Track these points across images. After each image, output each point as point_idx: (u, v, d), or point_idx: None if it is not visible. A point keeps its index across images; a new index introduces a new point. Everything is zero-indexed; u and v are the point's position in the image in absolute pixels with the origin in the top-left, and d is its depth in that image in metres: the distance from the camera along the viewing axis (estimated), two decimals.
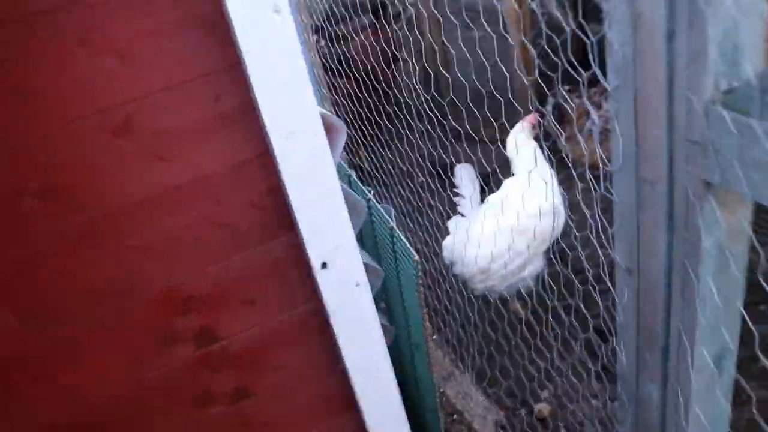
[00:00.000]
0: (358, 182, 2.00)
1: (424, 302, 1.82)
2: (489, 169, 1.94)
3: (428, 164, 3.16)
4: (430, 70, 4.10)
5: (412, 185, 3.04)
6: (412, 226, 3.15)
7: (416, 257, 1.67)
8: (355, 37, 3.81)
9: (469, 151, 2.27)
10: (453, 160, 2.61)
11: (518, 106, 1.65)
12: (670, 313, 1.10)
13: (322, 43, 3.83)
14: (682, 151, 0.91)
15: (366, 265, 1.83)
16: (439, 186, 2.96)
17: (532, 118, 2.82)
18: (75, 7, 1.15)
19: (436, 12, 4.14)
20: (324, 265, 1.45)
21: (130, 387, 1.48)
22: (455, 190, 2.98)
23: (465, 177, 2.85)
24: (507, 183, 2.71)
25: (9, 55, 1.13)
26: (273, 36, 1.23)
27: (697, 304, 1.02)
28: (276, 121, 1.29)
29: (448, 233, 2.90)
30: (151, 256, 1.36)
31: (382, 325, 2.03)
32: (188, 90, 1.27)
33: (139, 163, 1.28)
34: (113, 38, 1.18)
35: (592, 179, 1.12)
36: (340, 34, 3.76)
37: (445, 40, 4.11)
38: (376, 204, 1.89)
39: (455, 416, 2.43)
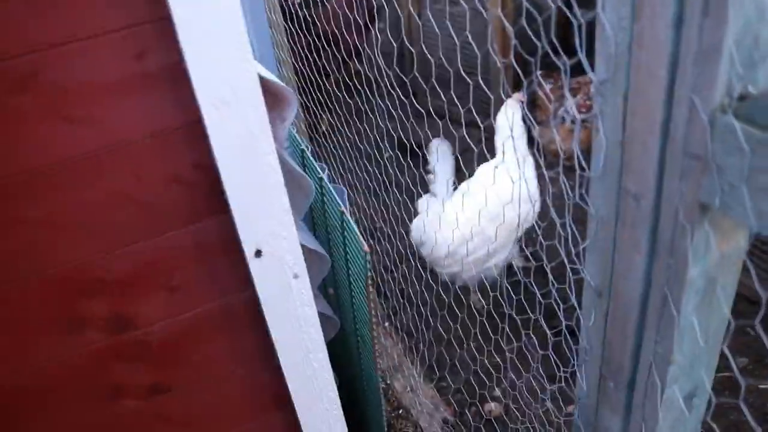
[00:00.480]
0: (312, 159, 1.83)
1: (376, 290, 1.67)
2: (457, 150, 1.79)
3: (395, 141, 2.99)
4: (410, 46, 3.90)
5: (375, 161, 2.87)
6: (375, 204, 2.98)
7: (366, 248, 1.51)
8: (327, 3, 3.60)
9: (434, 127, 2.09)
10: (415, 138, 2.44)
11: (488, 89, 1.48)
12: (642, 343, 0.96)
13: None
14: (677, 165, 0.76)
15: (312, 251, 1.67)
16: (403, 163, 2.80)
17: (520, 95, 2.69)
18: None
19: None
20: (258, 253, 1.28)
21: (28, 375, 1.30)
22: (428, 167, 2.82)
23: (440, 153, 2.68)
24: (482, 169, 2.57)
25: None
26: None
27: (675, 339, 0.88)
28: (207, 86, 1.10)
29: (416, 213, 2.75)
30: (53, 231, 1.17)
31: (327, 317, 1.87)
32: (105, 43, 1.07)
33: (41, 124, 1.08)
34: None
35: (566, 183, 0.96)
36: None
37: (422, 14, 3.92)
38: (328, 184, 1.72)
39: (401, 411, 2.30)
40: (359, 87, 2.42)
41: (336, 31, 2.97)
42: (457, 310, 2.16)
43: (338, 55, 2.82)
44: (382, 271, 2.98)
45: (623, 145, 0.83)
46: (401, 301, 2.76)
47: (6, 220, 1.13)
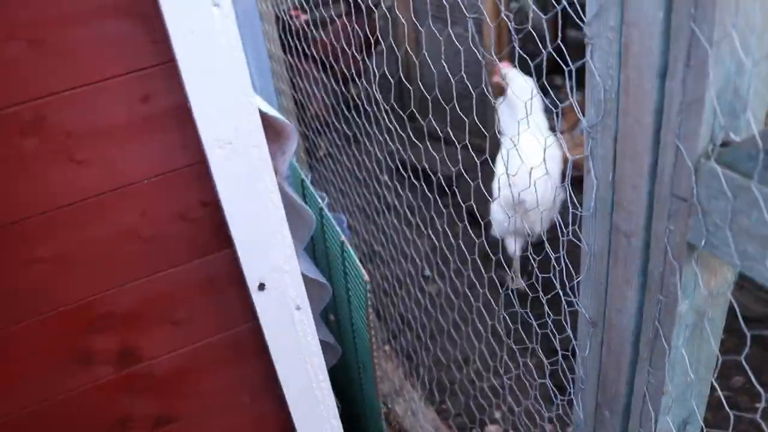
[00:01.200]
0: (311, 188, 1.86)
1: (376, 314, 1.70)
2: (453, 171, 1.81)
3: (391, 162, 3.02)
4: (414, 60, 3.96)
5: (373, 184, 2.91)
6: (374, 228, 3.01)
7: (366, 278, 1.54)
8: (330, 24, 3.65)
9: (432, 150, 2.13)
10: (414, 158, 2.47)
11: (490, 108, 1.51)
12: (635, 373, 0.99)
13: (303, 18, 3.62)
14: (665, 206, 0.79)
15: (313, 280, 1.70)
16: (398, 185, 2.83)
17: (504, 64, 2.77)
18: None
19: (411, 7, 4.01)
20: (261, 287, 1.31)
21: (39, 407, 1.32)
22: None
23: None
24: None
25: None
26: (211, 32, 1.08)
27: (666, 371, 0.91)
28: (211, 128, 1.14)
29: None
30: (63, 269, 1.20)
31: (329, 345, 1.90)
32: (112, 87, 1.11)
33: (50, 167, 1.12)
34: (21, 22, 1.02)
35: (560, 222, 0.99)
36: (315, 18, 3.59)
37: (419, 36, 3.98)
38: (329, 214, 1.75)
39: None
40: (359, 109, 2.46)
41: (338, 51, 3.02)
42: (455, 335, 2.19)
43: (341, 76, 2.85)
44: (381, 295, 3.01)
45: (614, 185, 0.86)
46: (401, 325, 2.79)
47: (18, 261, 1.16)
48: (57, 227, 1.17)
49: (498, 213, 2.72)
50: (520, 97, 2.44)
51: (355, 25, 3.73)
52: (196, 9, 1.05)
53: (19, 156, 1.09)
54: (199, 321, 1.37)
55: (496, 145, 3.24)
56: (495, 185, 2.67)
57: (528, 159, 1.46)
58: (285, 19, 2.65)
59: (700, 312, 0.86)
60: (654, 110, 0.75)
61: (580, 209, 0.93)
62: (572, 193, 0.92)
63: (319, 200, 1.80)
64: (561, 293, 1.04)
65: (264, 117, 1.24)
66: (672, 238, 0.80)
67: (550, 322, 1.10)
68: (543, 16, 0.98)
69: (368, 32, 3.89)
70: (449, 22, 3.76)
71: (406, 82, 3.73)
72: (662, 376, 0.91)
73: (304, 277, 1.38)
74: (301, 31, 2.76)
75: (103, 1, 1.05)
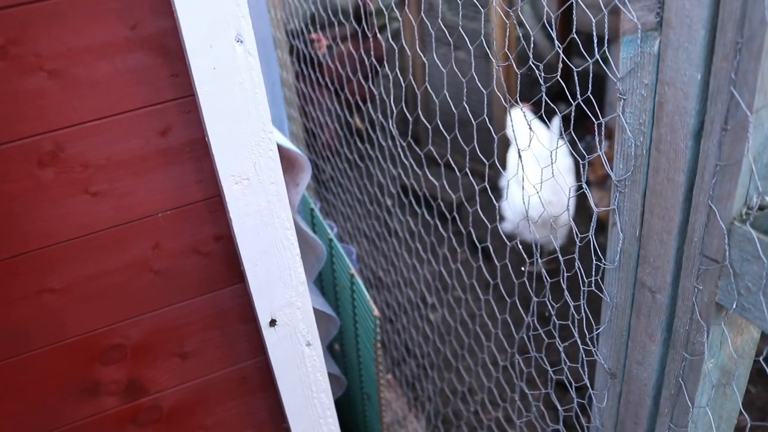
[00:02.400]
0: (320, 216, 1.85)
1: (382, 347, 1.68)
2: (453, 198, 1.80)
3: (393, 187, 3.02)
4: (418, 86, 3.96)
5: (376, 210, 2.90)
6: (375, 253, 3.00)
7: (377, 313, 1.53)
8: (336, 46, 3.65)
9: (434, 176, 2.13)
10: (415, 184, 2.47)
11: (494, 134, 1.50)
12: (655, 428, 0.98)
13: (325, 44, 3.61)
14: (694, 265, 0.78)
15: (322, 313, 1.68)
16: (399, 210, 2.82)
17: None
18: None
19: (418, 31, 4.02)
20: (272, 323, 1.30)
21: None
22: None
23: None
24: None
25: None
26: (233, 69, 1.07)
27: (689, 428, 0.89)
28: (229, 163, 1.13)
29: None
30: (74, 301, 1.18)
31: (335, 376, 1.88)
32: (131, 120, 1.10)
33: (66, 198, 1.10)
34: (43, 54, 1.01)
35: (581, 269, 0.98)
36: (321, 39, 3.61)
37: (425, 61, 3.99)
38: (338, 244, 1.74)
39: None
40: (363, 135, 2.45)
41: (343, 72, 3.03)
42: (459, 366, 2.16)
43: (345, 103, 2.87)
44: (386, 323, 2.99)
45: (640, 240, 0.85)
46: (404, 353, 2.76)
47: (30, 292, 1.14)
48: (69, 258, 1.16)
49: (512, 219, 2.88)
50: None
51: (361, 50, 3.75)
52: (219, 45, 1.05)
53: (36, 186, 1.08)
54: (207, 354, 1.35)
55: (497, 174, 3.24)
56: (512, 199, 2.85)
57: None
58: (300, 47, 2.65)
59: (725, 370, 0.85)
60: (687, 169, 0.74)
61: (603, 262, 0.92)
62: (596, 246, 0.91)
63: (329, 230, 1.79)
64: (579, 342, 1.02)
65: (279, 149, 1.24)
66: (700, 297, 0.79)
67: (566, 370, 1.08)
68: (556, 45, 0.97)
69: (374, 57, 3.90)
70: (452, 46, 3.78)
71: (409, 107, 3.73)
72: (683, 430, 0.90)
73: (314, 310, 1.37)
74: (316, 60, 2.76)
75: (125, 35, 1.04)
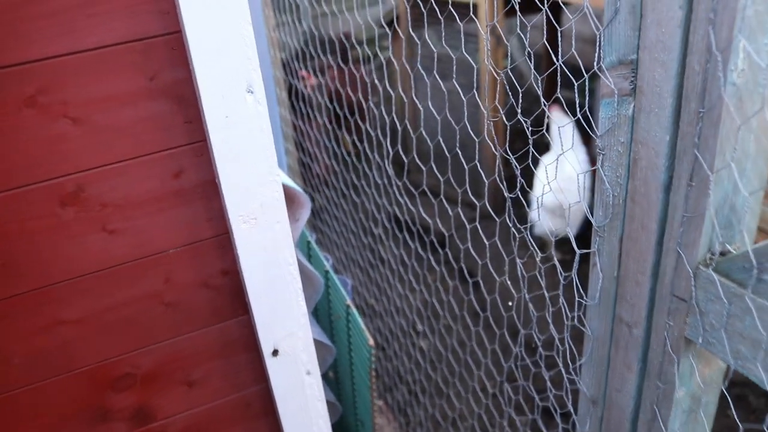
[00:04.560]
0: (317, 248, 1.93)
1: (375, 377, 1.75)
2: (444, 230, 1.89)
3: (389, 218, 3.10)
4: (397, 123, 4.07)
5: (369, 241, 2.98)
6: (367, 281, 3.07)
7: (372, 343, 1.60)
8: (319, 78, 3.77)
9: (423, 211, 2.21)
10: (407, 217, 2.55)
11: (482, 170, 1.59)
12: None
13: (312, 81, 3.74)
14: (665, 303, 0.87)
15: (319, 342, 1.75)
16: (392, 242, 2.90)
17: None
18: (26, 66, 1.06)
19: (406, 64, 4.13)
20: (275, 353, 1.37)
21: None
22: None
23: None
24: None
25: None
26: (244, 117, 1.16)
27: None
28: (238, 204, 1.21)
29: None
30: (87, 331, 1.25)
31: (330, 403, 1.94)
32: (147, 163, 1.18)
33: (85, 235, 1.18)
34: (68, 102, 1.09)
35: (565, 304, 1.07)
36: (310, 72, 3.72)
37: (414, 96, 4.11)
38: (334, 276, 1.82)
39: None
40: (357, 156, 2.54)
41: (330, 104, 3.15)
42: (443, 387, 2.23)
43: (350, 119, 2.98)
44: (376, 352, 3.06)
45: (618, 280, 0.94)
46: (395, 379, 2.83)
47: (48, 323, 1.21)
48: (85, 292, 1.23)
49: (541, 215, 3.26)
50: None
51: (347, 79, 3.87)
52: (231, 95, 1.14)
53: (58, 224, 1.15)
54: (212, 382, 1.42)
55: (484, 206, 3.34)
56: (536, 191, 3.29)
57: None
58: (294, 83, 2.75)
59: (695, 398, 0.94)
60: (658, 219, 0.83)
61: (585, 299, 1.00)
62: (578, 284, 1.00)
63: (325, 262, 1.87)
64: (563, 371, 1.11)
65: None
66: (671, 332, 0.88)
67: (551, 397, 1.17)
68: (537, 75, 1.07)
69: (357, 88, 4.03)
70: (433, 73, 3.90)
71: (400, 147, 3.83)
72: None
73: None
74: (307, 96, 2.87)
75: (144, 85, 1.13)
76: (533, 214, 3.14)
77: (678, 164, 0.79)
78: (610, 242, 0.93)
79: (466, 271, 1.81)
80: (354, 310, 1.71)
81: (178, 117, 1.17)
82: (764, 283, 0.73)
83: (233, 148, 1.17)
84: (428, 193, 1.79)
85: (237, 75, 1.13)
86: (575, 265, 0.98)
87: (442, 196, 1.85)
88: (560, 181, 2.98)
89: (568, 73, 1.05)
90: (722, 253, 0.80)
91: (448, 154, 1.44)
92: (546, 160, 3.29)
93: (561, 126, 3.03)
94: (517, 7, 1.00)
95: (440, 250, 2.02)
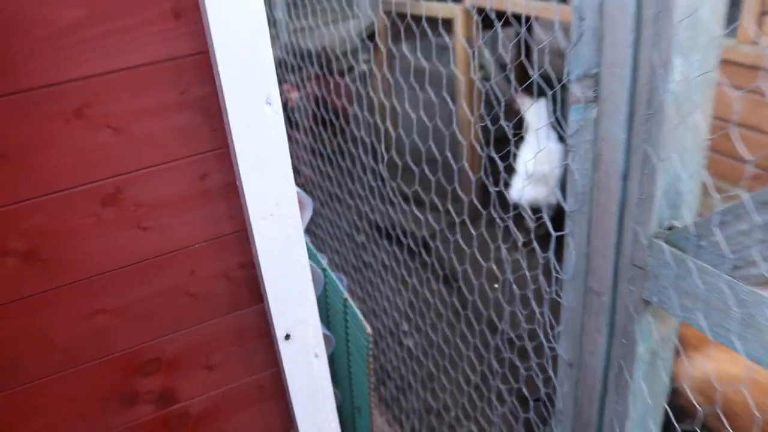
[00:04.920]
0: (313, 249, 2.10)
1: (372, 362, 1.91)
2: (420, 233, 2.06)
3: (370, 224, 3.27)
4: (382, 127, 4.26)
5: (349, 243, 3.15)
6: (351, 284, 3.24)
7: (369, 330, 1.77)
8: (301, 88, 3.96)
9: (404, 212, 2.39)
10: (387, 223, 2.74)
11: (462, 174, 1.77)
12: (605, 404, 1.24)
13: (294, 95, 3.94)
14: (627, 272, 1.06)
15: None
16: (373, 246, 3.07)
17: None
18: (77, 83, 1.22)
19: (387, 73, 4.33)
20: (287, 337, 1.53)
21: None
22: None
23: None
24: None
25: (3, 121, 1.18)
26: (263, 125, 1.33)
27: (629, 401, 1.16)
28: (257, 203, 1.38)
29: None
30: (119, 319, 1.40)
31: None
32: (177, 167, 1.35)
33: (121, 232, 1.34)
34: (109, 114, 1.26)
35: (544, 281, 1.25)
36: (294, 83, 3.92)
37: (395, 102, 4.30)
38: (331, 273, 1.99)
39: None
40: (341, 169, 2.71)
41: (317, 111, 3.33)
42: (434, 386, 2.40)
43: (335, 123, 3.18)
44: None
45: (588, 256, 1.13)
46: (383, 376, 3.00)
47: (86, 313, 1.36)
48: (120, 283, 1.38)
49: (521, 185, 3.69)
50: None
51: (324, 91, 4.07)
52: (253, 107, 1.31)
53: (99, 222, 1.31)
54: (230, 366, 1.57)
55: (462, 210, 3.54)
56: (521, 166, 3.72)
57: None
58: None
59: (654, 353, 1.13)
60: (618, 202, 1.02)
61: (561, 274, 1.19)
62: (556, 263, 1.18)
63: (321, 260, 2.04)
64: (544, 341, 1.29)
65: None
66: (632, 296, 1.07)
67: (534, 365, 1.35)
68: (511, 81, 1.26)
69: (336, 98, 4.24)
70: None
71: (384, 153, 4.02)
72: (626, 404, 1.17)
73: None
74: (295, 106, 3.07)
75: (176, 99, 1.30)
76: (519, 186, 3.50)
77: (632, 157, 0.98)
78: (581, 225, 1.12)
79: (448, 270, 1.98)
80: (351, 302, 1.88)
81: (205, 127, 1.33)
82: (702, 248, 0.92)
83: (253, 153, 1.34)
84: (411, 200, 1.97)
85: (258, 89, 1.30)
86: (552, 246, 1.17)
87: (427, 202, 2.03)
88: (542, 153, 3.35)
89: (541, 83, 1.24)
90: (670, 228, 0.99)
91: (438, 156, 1.63)
92: (525, 146, 3.70)
93: (528, 107, 3.51)
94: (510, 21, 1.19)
95: (424, 253, 2.20)
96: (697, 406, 1.14)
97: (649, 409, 1.18)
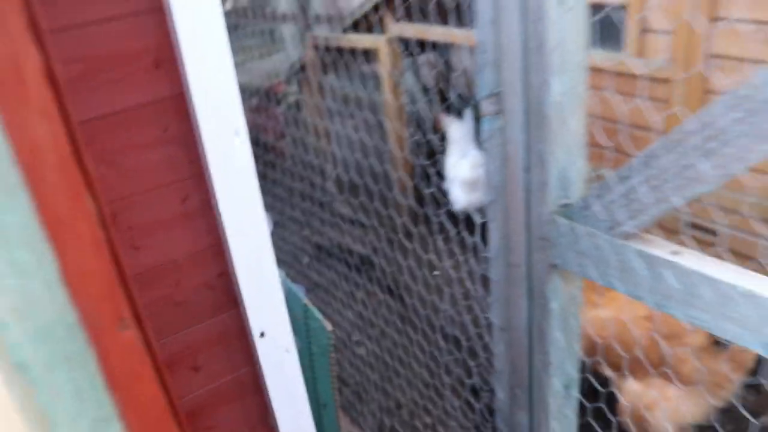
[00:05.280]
0: None
1: (335, 359, 2.16)
2: (358, 252, 2.34)
3: (310, 246, 3.53)
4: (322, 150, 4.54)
5: (295, 265, 3.39)
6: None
7: (330, 327, 2.03)
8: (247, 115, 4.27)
9: (345, 232, 2.67)
10: (330, 240, 3.00)
11: (394, 194, 2.07)
12: (533, 357, 1.54)
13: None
14: (537, 244, 1.37)
15: None
16: (316, 266, 3.32)
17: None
18: (80, 126, 1.45)
19: (319, 99, 4.63)
20: (262, 335, 1.77)
21: None
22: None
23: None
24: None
25: None
26: (232, 153, 1.59)
27: (549, 349, 1.46)
28: (231, 220, 1.63)
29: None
30: None
31: None
32: (162, 193, 1.58)
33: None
34: (105, 150, 1.49)
35: (475, 262, 1.55)
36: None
37: (327, 127, 4.60)
38: (290, 283, 2.24)
39: None
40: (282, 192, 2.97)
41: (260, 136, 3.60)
42: (387, 386, 2.66)
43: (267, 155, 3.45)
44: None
45: (506, 237, 1.43)
46: (340, 383, 3.23)
47: None
48: None
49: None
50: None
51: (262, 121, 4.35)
52: (224, 138, 1.56)
53: (96, 242, 1.53)
54: (213, 366, 1.80)
55: (395, 228, 3.85)
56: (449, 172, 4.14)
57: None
58: None
59: (564, 308, 1.43)
60: (524, 190, 1.33)
61: (488, 253, 1.49)
62: (483, 245, 1.48)
63: (279, 274, 2.28)
64: (480, 312, 1.58)
65: None
66: (542, 263, 1.37)
67: (474, 335, 1.64)
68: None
69: (278, 122, 4.55)
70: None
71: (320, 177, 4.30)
72: (547, 353, 1.46)
73: None
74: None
75: (160, 135, 1.54)
76: (457, 193, 3.93)
77: (531, 154, 1.29)
78: (497, 212, 1.42)
79: (391, 282, 2.26)
80: (312, 307, 2.14)
81: (185, 157, 1.58)
82: (587, 217, 1.24)
83: (227, 177, 1.59)
84: (350, 220, 2.25)
85: (227, 123, 1.56)
86: (478, 231, 1.46)
87: (364, 219, 2.30)
88: (471, 160, 3.72)
89: (461, 99, 1.55)
90: (564, 205, 1.31)
91: (380, 167, 1.92)
92: (450, 157, 4.18)
93: (449, 124, 4.05)
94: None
95: (367, 269, 2.47)
96: (597, 340, 1.44)
97: (566, 354, 1.48)
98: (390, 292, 3.55)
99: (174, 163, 1.58)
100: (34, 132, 0.91)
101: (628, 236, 1.16)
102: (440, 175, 3.98)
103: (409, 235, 3.72)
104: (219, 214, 1.63)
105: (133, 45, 1.53)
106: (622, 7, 3.31)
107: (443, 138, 3.98)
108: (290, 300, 2.27)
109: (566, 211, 1.29)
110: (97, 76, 1.43)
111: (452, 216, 4.06)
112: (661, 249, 1.12)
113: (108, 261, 1.02)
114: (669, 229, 2.97)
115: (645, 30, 3.26)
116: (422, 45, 4.46)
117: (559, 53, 1.15)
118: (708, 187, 1.00)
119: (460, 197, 4.09)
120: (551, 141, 1.23)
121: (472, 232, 1.54)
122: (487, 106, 1.33)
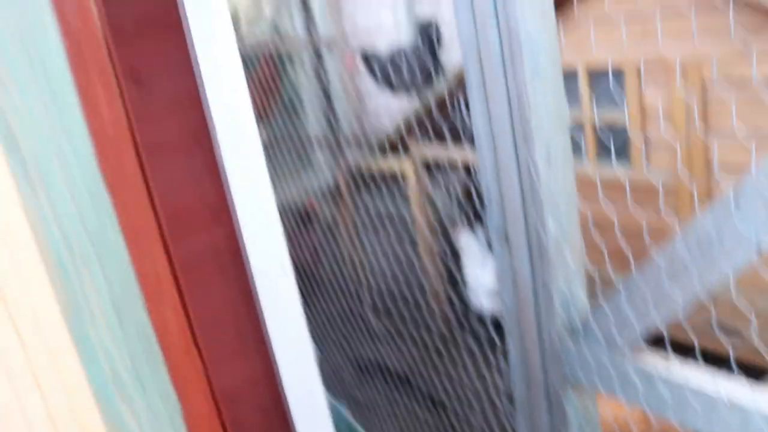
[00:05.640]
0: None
1: None
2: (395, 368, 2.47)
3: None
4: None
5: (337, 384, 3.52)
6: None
7: None
8: None
9: (382, 350, 2.84)
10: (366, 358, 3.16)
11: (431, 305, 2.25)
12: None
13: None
14: (550, 361, 1.54)
15: None
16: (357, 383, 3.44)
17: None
18: None
19: (355, 218, 4.91)
20: None
21: None
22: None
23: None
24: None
25: None
26: (276, 286, 1.82)
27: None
28: (281, 351, 1.84)
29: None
30: None
31: None
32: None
33: None
34: None
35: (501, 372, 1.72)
36: None
37: (360, 248, 4.85)
38: (332, 401, 2.41)
39: None
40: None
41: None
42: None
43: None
44: None
45: (524, 354, 1.61)
46: None
47: None
48: None
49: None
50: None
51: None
52: (271, 274, 1.80)
53: None
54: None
55: (431, 336, 4.01)
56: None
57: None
58: None
59: (581, 423, 1.58)
60: (534, 313, 1.52)
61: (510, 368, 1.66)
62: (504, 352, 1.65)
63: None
64: (507, 424, 1.73)
65: None
66: (557, 377, 1.54)
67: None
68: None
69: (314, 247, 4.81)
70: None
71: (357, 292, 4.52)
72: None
73: None
74: None
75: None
76: (479, 301, 4.19)
77: (537, 282, 1.49)
78: (513, 328, 1.61)
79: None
80: (355, 423, 2.30)
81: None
82: (588, 336, 1.42)
83: (276, 313, 1.81)
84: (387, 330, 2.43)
85: (275, 258, 1.80)
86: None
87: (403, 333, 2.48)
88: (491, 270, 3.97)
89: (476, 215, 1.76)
90: (568, 327, 1.49)
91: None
92: (467, 268, 4.51)
93: (466, 239, 4.43)
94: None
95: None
96: None
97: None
98: (428, 407, 3.67)
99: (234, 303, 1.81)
100: None
101: (624, 353, 1.34)
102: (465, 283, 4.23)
103: (444, 340, 3.87)
104: (270, 346, 1.83)
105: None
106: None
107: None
108: (335, 419, 2.44)
109: (571, 332, 1.47)
110: None
111: (481, 321, 4.24)
112: (654, 363, 1.30)
113: None
114: (701, 329, 3.10)
115: (647, 143, 3.53)
116: (443, 167, 4.80)
117: (551, 201, 1.38)
118: (679, 308, 1.20)
119: (485, 304, 4.30)
120: (552, 272, 1.43)
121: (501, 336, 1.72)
122: (495, 241, 1.55)
